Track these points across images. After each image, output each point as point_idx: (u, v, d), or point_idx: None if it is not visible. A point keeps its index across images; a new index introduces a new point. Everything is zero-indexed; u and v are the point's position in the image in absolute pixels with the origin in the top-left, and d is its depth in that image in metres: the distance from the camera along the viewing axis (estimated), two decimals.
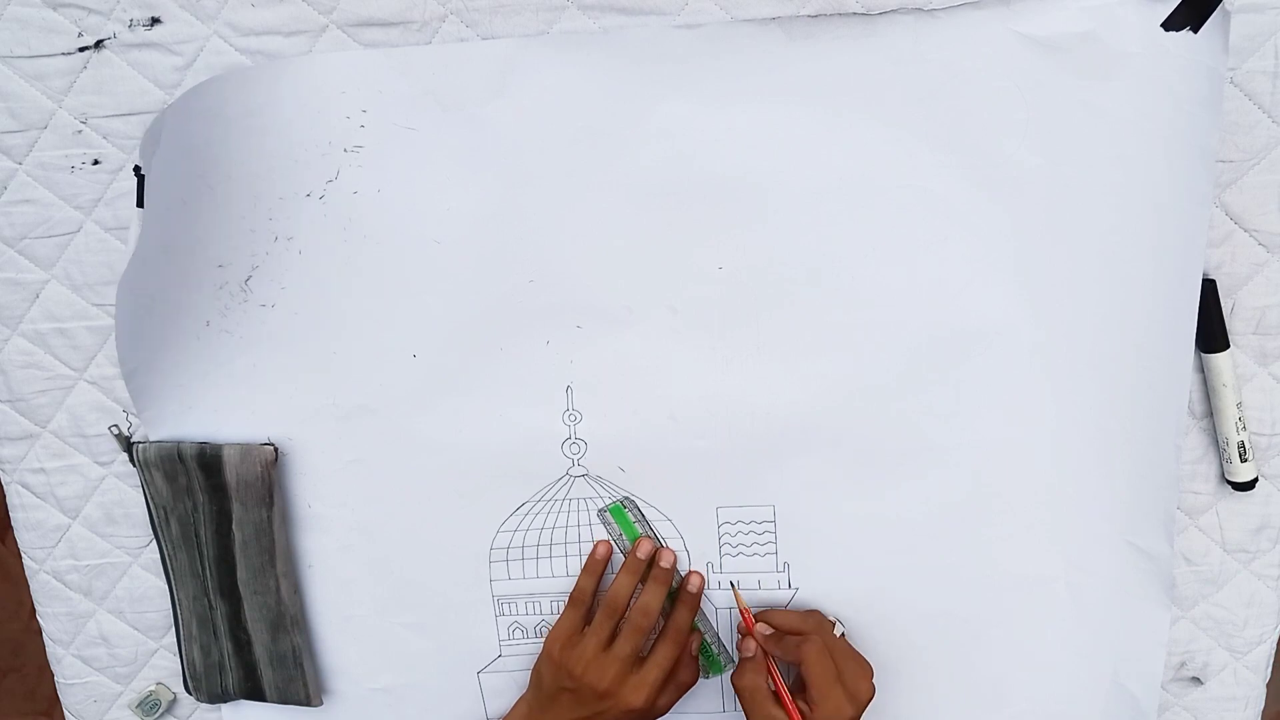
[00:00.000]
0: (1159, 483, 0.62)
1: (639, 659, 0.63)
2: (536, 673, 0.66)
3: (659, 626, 0.64)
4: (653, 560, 0.64)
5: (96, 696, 0.73)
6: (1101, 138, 0.56)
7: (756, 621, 0.64)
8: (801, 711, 0.59)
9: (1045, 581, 0.65)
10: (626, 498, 0.65)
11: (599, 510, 0.65)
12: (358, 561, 0.67)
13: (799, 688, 0.60)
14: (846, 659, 0.61)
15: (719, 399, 0.63)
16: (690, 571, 0.66)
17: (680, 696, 0.65)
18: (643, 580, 0.64)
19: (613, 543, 0.66)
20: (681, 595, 0.65)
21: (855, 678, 0.60)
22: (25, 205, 0.61)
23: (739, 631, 0.65)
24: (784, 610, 0.65)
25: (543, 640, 0.67)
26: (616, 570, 0.65)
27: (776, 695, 0.60)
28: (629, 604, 0.63)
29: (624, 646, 0.62)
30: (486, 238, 0.60)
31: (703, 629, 0.67)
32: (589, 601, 0.65)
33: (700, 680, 0.67)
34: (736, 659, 0.68)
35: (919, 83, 0.56)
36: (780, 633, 0.63)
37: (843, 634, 0.63)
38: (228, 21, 0.57)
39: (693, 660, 0.66)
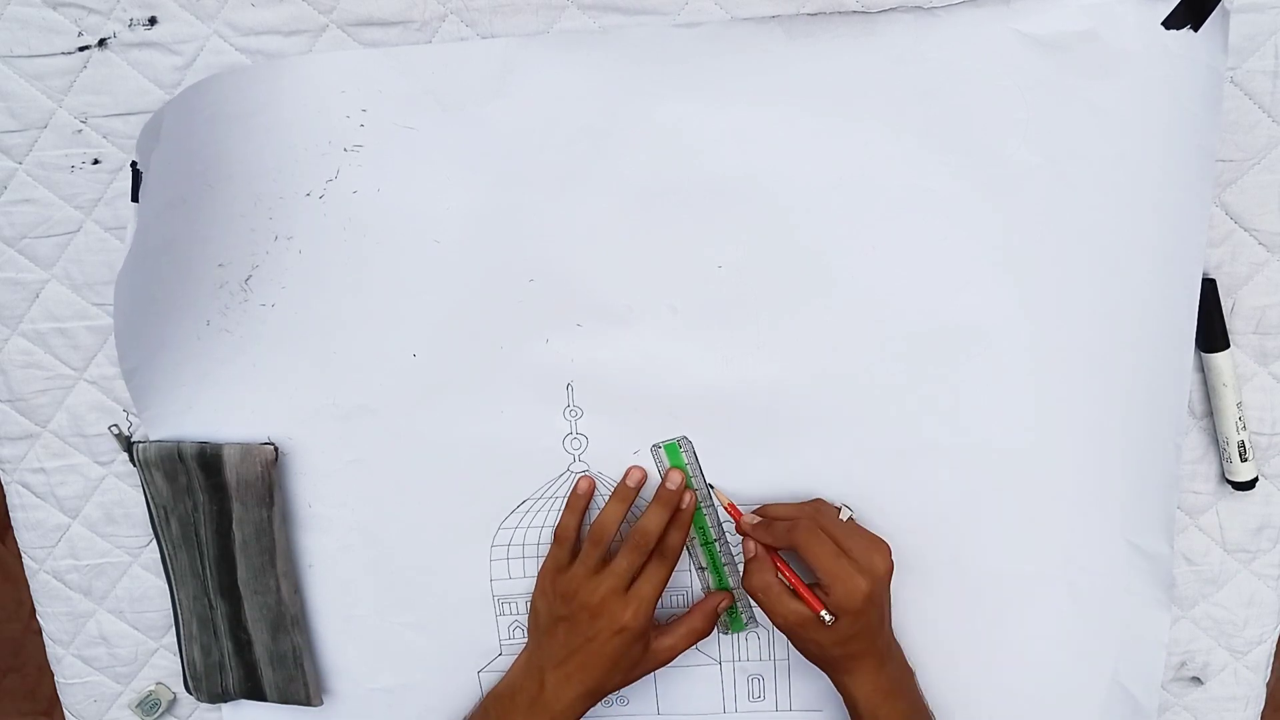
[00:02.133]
0: (1159, 482, 0.62)
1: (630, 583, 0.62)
2: (533, 612, 0.65)
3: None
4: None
5: (96, 696, 0.73)
6: (1101, 137, 0.56)
7: (744, 514, 0.63)
8: (819, 597, 0.58)
9: (1045, 581, 0.65)
10: (684, 437, 0.64)
11: (652, 445, 0.64)
12: (358, 561, 0.67)
13: (811, 579, 0.59)
14: (851, 535, 0.59)
15: (719, 397, 0.63)
16: (686, 490, 0.64)
17: (690, 644, 0.64)
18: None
19: (644, 471, 0.64)
20: (674, 516, 0.63)
21: (864, 551, 0.58)
22: (25, 205, 0.61)
23: (736, 532, 0.64)
24: (780, 503, 0.63)
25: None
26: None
27: (791, 588, 0.59)
28: (617, 532, 0.63)
29: (620, 563, 0.61)
30: (486, 237, 0.60)
31: (732, 585, 0.67)
32: (573, 538, 0.64)
33: (720, 636, 0.68)
34: (755, 623, 0.68)
35: (919, 82, 0.56)
36: (769, 520, 0.61)
37: (849, 517, 0.61)
38: (227, 21, 0.57)
39: (711, 613, 0.65)
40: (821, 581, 0.58)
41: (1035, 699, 0.68)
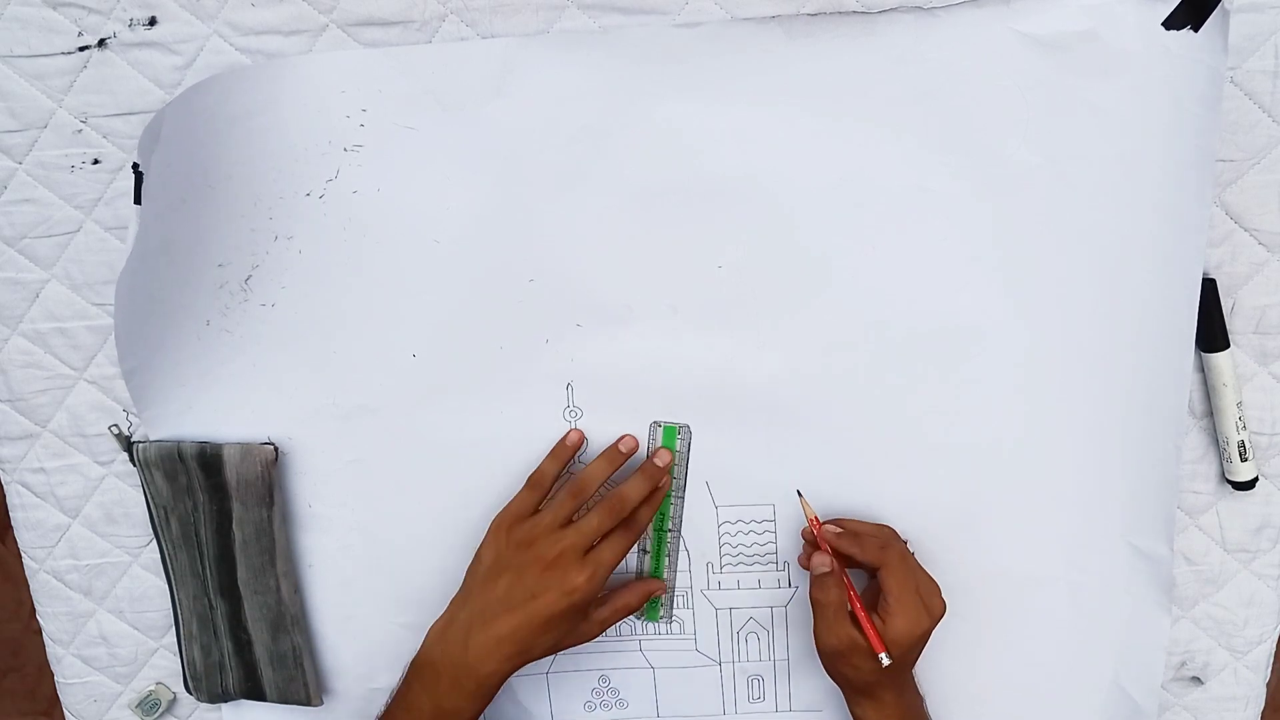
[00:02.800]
0: (1159, 483, 0.62)
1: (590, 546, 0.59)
2: (475, 560, 0.62)
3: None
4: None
5: (96, 696, 0.73)
6: (1101, 137, 0.56)
7: (825, 524, 0.61)
8: (876, 626, 0.57)
9: (1045, 581, 0.65)
10: (686, 426, 0.63)
11: (654, 422, 0.63)
12: (358, 561, 0.67)
13: (870, 602, 0.59)
14: (920, 571, 0.59)
15: (719, 397, 0.63)
16: (661, 452, 0.63)
17: (615, 621, 0.63)
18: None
19: (636, 441, 0.63)
20: (651, 494, 0.62)
21: (929, 592, 0.59)
22: (25, 205, 0.61)
23: (806, 544, 0.62)
24: (855, 519, 0.62)
25: None
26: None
27: (851, 613, 0.58)
28: (596, 491, 0.61)
29: (589, 521, 0.59)
30: (486, 237, 0.60)
31: (665, 578, 0.66)
32: (548, 486, 0.62)
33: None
34: (671, 620, 0.67)
35: (919, 82, 0.56)
36: (854, 532, 0.60)
37: (912, 553, 0.61)
38: (227, 21, 0.57)
39: (644, 594, 0.64)
40: (888, 608, 0.57)
41: (1035, 699, 0.68)
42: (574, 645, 0.61)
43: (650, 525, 0.65)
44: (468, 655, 0.59)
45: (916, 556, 0.62)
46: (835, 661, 0.60)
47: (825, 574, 0.59)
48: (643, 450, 0.64)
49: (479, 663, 0.58)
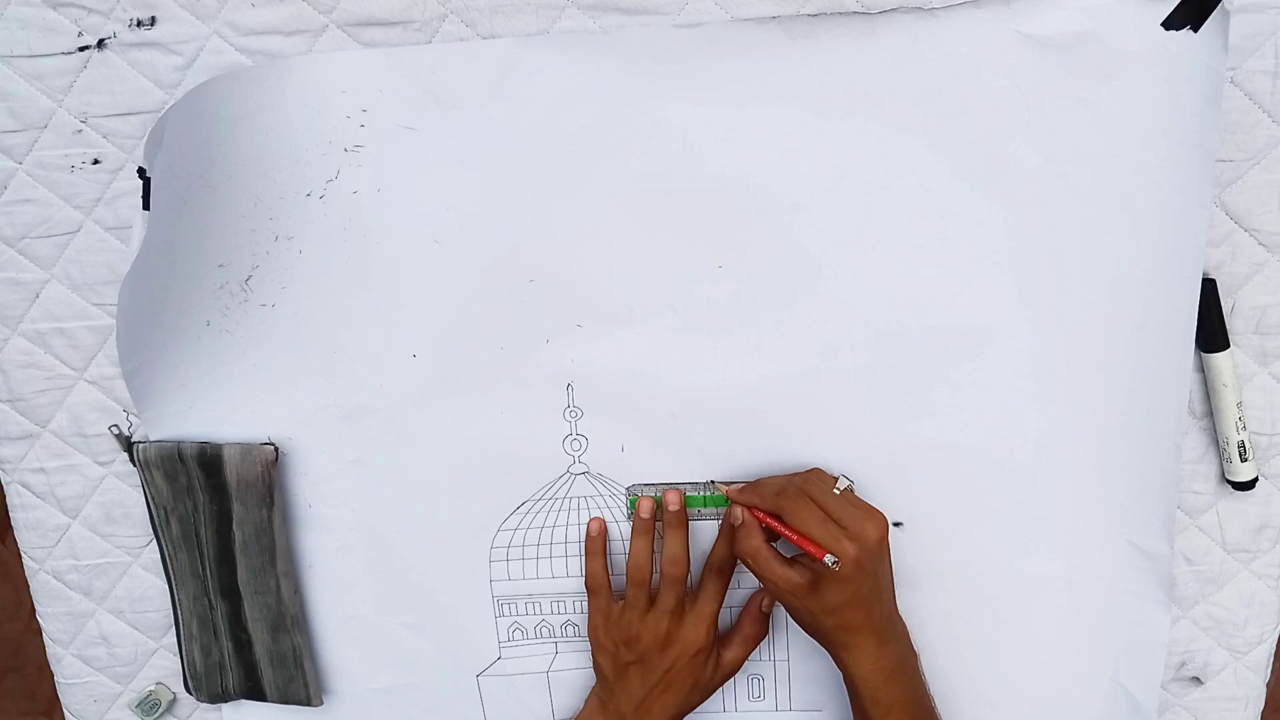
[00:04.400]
0: (1159, 483, 0.62)
1: (687, 603, 0.63)
2: (597, 668, 0.66)
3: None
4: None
5: (96, 696, 0.73)
6: (1102, 137, 0.56)
7: (731, 484, 0.62)
8: (805, 564, 0.57)
9: (1045, 581, 0.65)
10: (630, 486, 0.65)
11: (626, 488, 0.65)
12: (358, 561, 0.67)
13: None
14: (843, 505, 0.58)
15: (719, 398, 0.63)
16: (732, 505, 0.62)
17: (751, 650, 0.65)
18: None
19: (654, 500, 0.64)
20: (723, 532, 0.63)
21: (855, 519, 0.57)
22: (25, 205, 0.61)
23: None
24: (773, 476, 0.63)
25: (544, 640, 0.67)
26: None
27: (783, 556, 0.59)
28: (654, 565, 0.63)
29: (666, 599, 0.62)
30: (486, 237, 0.60)
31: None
32: (607, 582, 0.64)
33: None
34: None
35: (919, 82, 0.56)
36: (754, 483, 0.61)
37: (847, 488, 0.60)
38: (228, 21, 0.57)
39: (759, 615, 0.65)
40: (810, 554, 0.57)
41: (1035, 699, 0.68)
42: (718, 689, 0.65)
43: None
44: None
45: (860, 495, 0.61)
46: (791, 610, 0.60)
47: (738, 526, 0.60)
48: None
49: None
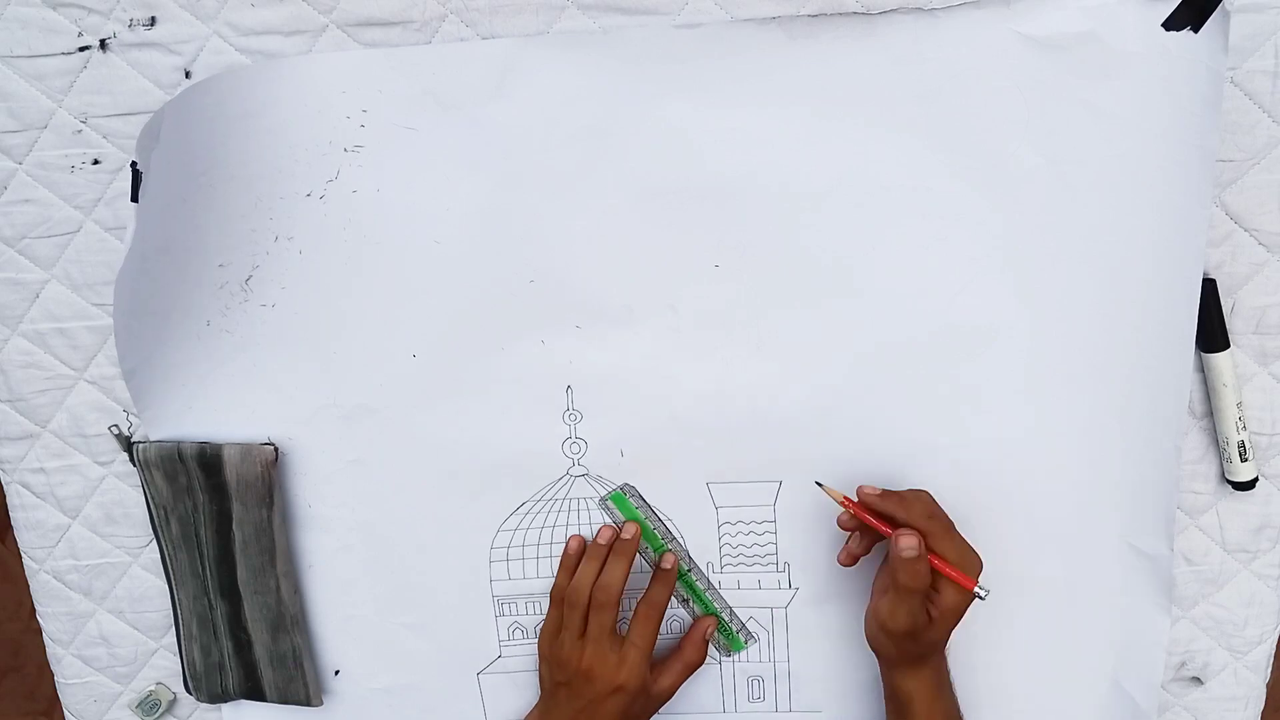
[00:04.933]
0: (1159, 483, 0.62)
1: (619, 638, 0.63)
2: (540, 676, 0.66)
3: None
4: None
5: (96, 696, 0.73)
6: (1101, 138, 0.56)
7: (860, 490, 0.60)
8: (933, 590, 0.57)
9: (1045, 582, 0.65)
10: (625, 484, 0.65)
11: (599, 499, 0.65)
12: (358, 561, 0.67)
13: (884, 584, 0.60)
14: (962, 540, 0.59)
15: (719, 398, 0.63)
16: (664, 552, 0.65)
17: (687, 676, 0.65)
18: None
19: (614, 529, 0.65)
20: (656, 573, 0.64)
21: (966, 550, 0.58)
22: (25, 205, 0.61)
23: (848, 531, 0.61)
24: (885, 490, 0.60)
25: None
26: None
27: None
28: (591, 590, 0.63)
29: (594, 627, 0.62)
30: (486, 237, 0.60)
31: (718, 610, 0.67)
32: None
33: (720, 659, 0.68)
34: (753, 638, 0.68)
35: (919, 83, 0.56)
36: (896, 495, 0.59)
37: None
38: (227, 21, 0.57)
39: (701, 642, 0.66)
40: (961, 584, 0.57)
41: (1035, 699, 0.68)
42: (653, 714, 0.65)
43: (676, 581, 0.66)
44: None
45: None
46: (901, 640, 0.59)
47: (914, 557, 0.56)
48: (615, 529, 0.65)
49: None
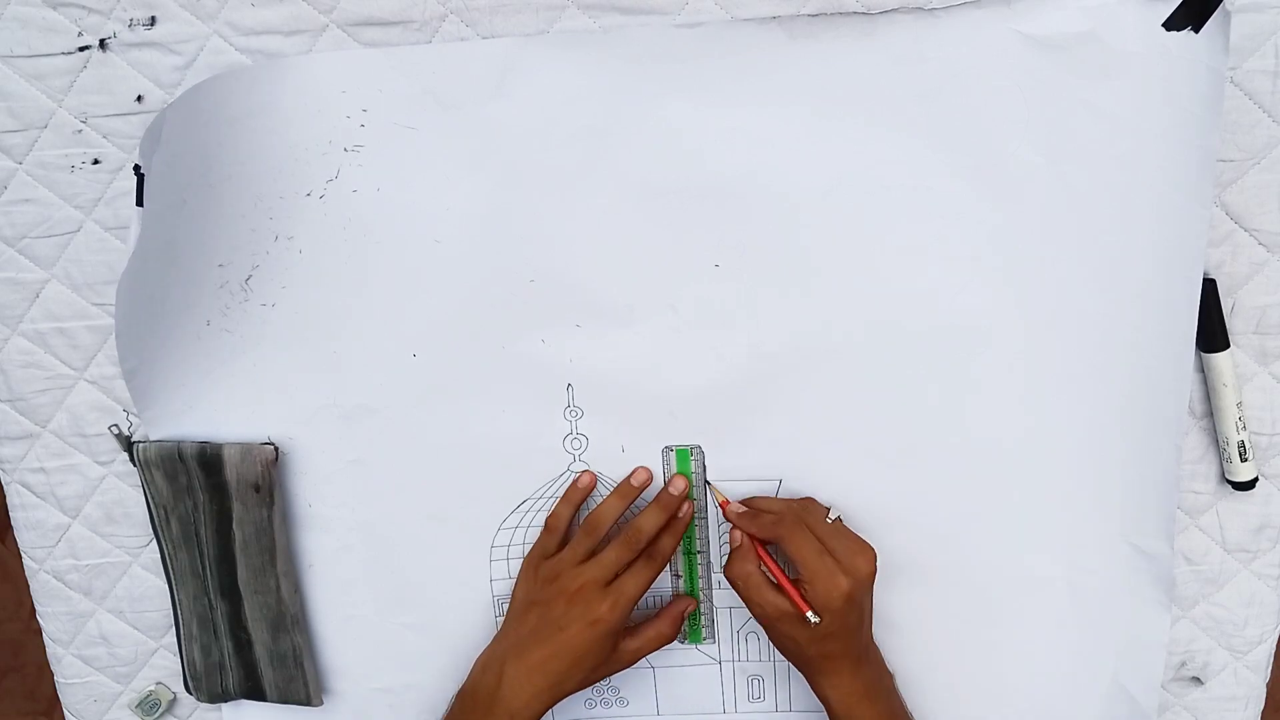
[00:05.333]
0: (1159, 483, 0.62)
1: (613, 579, 0.61)
2: (512, 598, 0.65)
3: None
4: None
5: (96, 696, 0.73)
6: (1102, 137, 0.56)
7: (731, 502, 0.62)
8: (801, 592, 0.58)
9: (1045, 581, 0.65)
10: (698, 446, 0.64)
11: (665, 447, 0.64)
12: (358, 561, 0.67)
13: (795, 574, 0.59)
14: (836, 536, 0.59)
15: (719, 397, 0.63)
16: (687, 500, 0.64)
17: (654, 649, 0.64)
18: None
19: (649, 471, 0.64)
20: (670, 522, 0.63)
21: (848, 552, 0.58)
22: (25, 205, 0.61)
23: (724, 519, 0.63)
24: (769, 497, 0.63)
25: None
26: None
27: (774, 582, 0.59)
28: (611, 528, 0.62)
29: (608, 555, 0.61)
30: (486, 237, 0.60)
31: (701, 599, 0.67)
32: (564, 528, 0.64)
33: (678, 646, 0.68)
34: (711, 639, 0.67)
35: (919, 82, 0.56)
36: (755, 510, 0.61)
37: (837, 518, 0.60)
38: (228, 21, 0.57)
39: (678, 618, 0.65)
40: (803, 577, 0.58)
41: (1035, 699, 0.68)
42: (607, 676, 0.63)
43: (682, 551, 0.66)
44: (501, 688, 0.60)
45: (858, 522, 0.62)
46: (774, 636, 0.60)
47: (735, 549, 0.60)
48: (659, 478, 0.64)
49: (512, 695, 0.60)
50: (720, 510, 0.63)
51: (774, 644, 0.62)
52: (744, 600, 0.60)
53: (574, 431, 0.64)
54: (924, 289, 0.60)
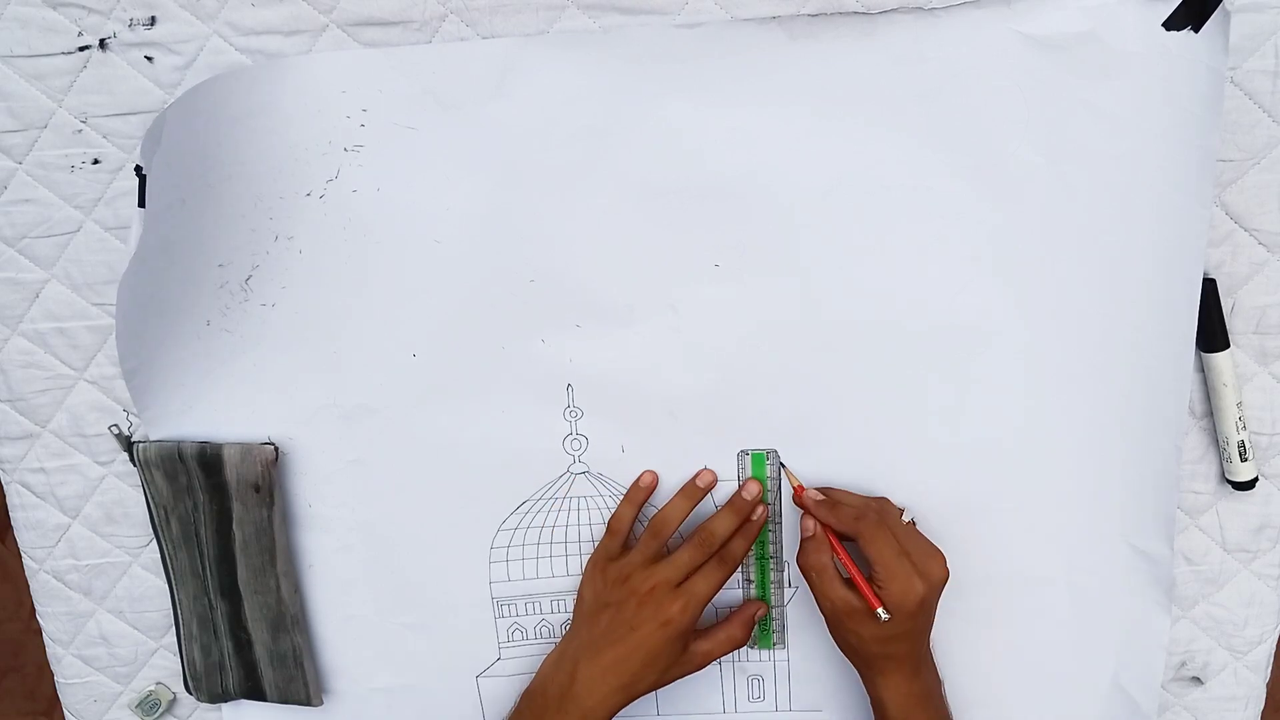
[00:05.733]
0: (1159, 483, 0.62)
1: (684, 579, 0.61)
2: (579, 600, 0.65)
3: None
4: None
5: (96, 696, 0.73)
6: (1101, 137, 0.56)
7: (807, 489, 0.61)
8: (876, 584, 0.57)
9: (1045, 581, 0.65)
10: (774, 450, 0.64)
11: (741, 451, 0.64)
12: (358, 561, 0.67)
13: (867, 572, 0.59)
14: (911, 538, 0.59)
15: (719, 398, 0.63)
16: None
17: (725, 652, 0.63)
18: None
19: (714, 474, 0.64)
20: (743, 526, 0.62)
21: (923, 557, 0.58)
22: (25, 205, 0.61)
23: (796, 505, 0.62)
24: (844, 490, 0.63)
25: (544, 640, 0.67)
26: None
27: (846, 577, 0.59)
28: (677, 529, 0.62)
29: (680, 556, 0.61)
30: (486, 237, 0.60)
31: (773, 604, 0.66)
32: (627, 530, 0.63)
33: (747, 650, 0.68)
34: (782, 645, 0.67)
35: (919, 82, 0.56)
36: (833, 500, 0.61)
37: (911, 520, 0.61)
38: (228, 21, 0.57)
39: (749, 621, 0.64)
40: (878, 576, 0.57)
41: (1035, 699, 0.68)
42: (679, 678, 0.62)
43: (754, 555, 0.65)
44: (575, 686, 0.60)
45: (920, 528, 0.62)
46: (839, 630, 0.60)
47: (808, 538, 0.60)
48: (731, 480, 0.64)
49: (585, 694, 0.60)
50: (794, 495, 0.62)
51: (835, 638, 0.61)
52: (814, 591, 0.60)
53: (574, 432, 0.64)
54: (924, 289, 0.60)
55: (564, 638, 0.65)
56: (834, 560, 0.59)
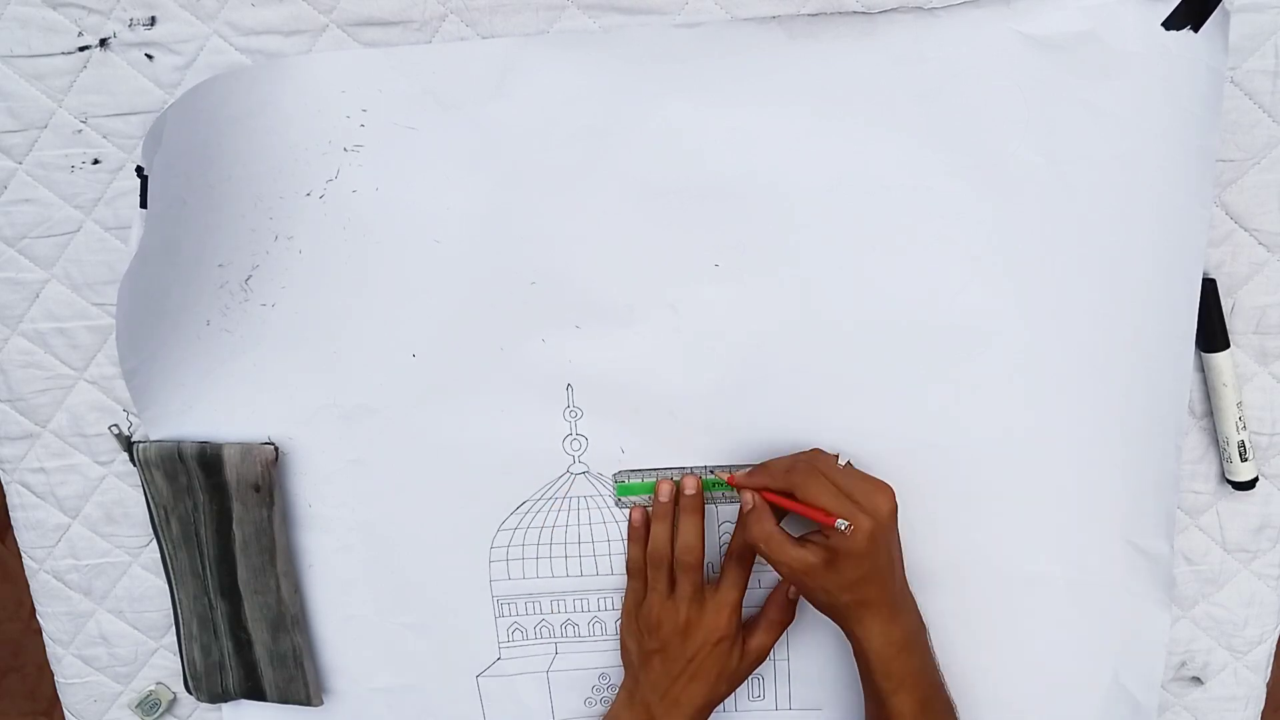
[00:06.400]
0: (1159, 483, 0.62)
1: (710, 589, 0.62)
2: (624, 652, 0.66)
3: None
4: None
5: (96, 696, 0.73)
6: (1101, 137, 0.56)
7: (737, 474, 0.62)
8: (820, 541, 0.57)
9: (1045, 581, 0.65)
10: (616, 473, 0.64)
11: (615, 502, 0.65)
12: (358, 561, 0.67)
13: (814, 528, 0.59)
14: (851, 478, 0.58)
15: (719, 397, 0.63)
16: (742, 490, 0.62)
17: (778, 636, 0.64)
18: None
19: (672, 483, 0.64)
20: (740, 519, 0.62)
21: (866, 494, 0.57)
22: (25, 205, 0.61)
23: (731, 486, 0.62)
24: (772, 458, 0.62)
25: (544, 640, 0.67)
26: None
27: (797, 537, 0.58)
28: (673, 549, 0.63)
29: (683, 586, 0.62)
30: (486, 237, 0.60)
31: None
32: (643, 569, 0.65)
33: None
34: None
35: (919, 82, 0.56)
36: (761, 466, 0.61)
37: (847, 462, 0.60)
38: (227, 21, 0.57)
39: (786, 602, 0.64)
40: (822, 524, 0.57)
41: (1035, 699, 0.68)
42: (748, 676, 0.64)
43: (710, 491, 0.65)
44: (654, 717, 0.62)
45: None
46: (806, 590, 0.59)
47: (748, 511, 0.60)
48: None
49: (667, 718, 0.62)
50: (728, 481, 0.62)
51: (808, 599, 0.61)
52: (769, 561, 0.59)
53: (573, 432, 0.64)
54: (924, 289, 0.60)
55: (622, 687, 0.66)
56: (779, 526, 0.59)
